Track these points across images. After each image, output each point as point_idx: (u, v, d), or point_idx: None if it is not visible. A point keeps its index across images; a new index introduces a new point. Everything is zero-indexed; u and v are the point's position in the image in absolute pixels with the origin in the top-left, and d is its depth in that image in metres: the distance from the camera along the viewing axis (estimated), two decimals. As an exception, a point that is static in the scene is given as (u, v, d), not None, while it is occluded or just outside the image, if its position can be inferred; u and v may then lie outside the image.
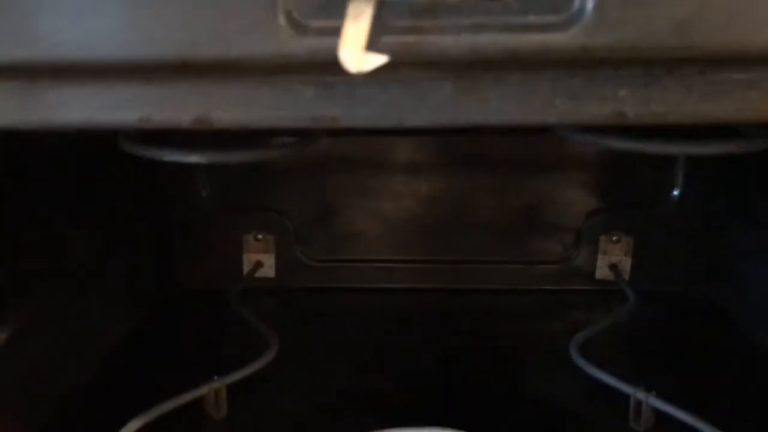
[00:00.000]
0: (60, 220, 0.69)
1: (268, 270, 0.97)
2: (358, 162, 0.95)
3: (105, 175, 0.78)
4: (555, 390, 0.69)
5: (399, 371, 0.75)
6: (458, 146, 0.93)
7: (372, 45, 0.31)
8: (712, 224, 0.89)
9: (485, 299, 0.94)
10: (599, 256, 0.93)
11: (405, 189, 0.95)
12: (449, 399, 0.68)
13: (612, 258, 0.93)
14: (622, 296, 0.87)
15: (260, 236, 0.96)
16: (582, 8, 0.32)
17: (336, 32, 0.31)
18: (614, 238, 0.92)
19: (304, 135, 0.67)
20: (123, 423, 0.59)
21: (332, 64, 0.31)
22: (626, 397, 0.63)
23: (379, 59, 0.31)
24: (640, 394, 0.61)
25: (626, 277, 0.91)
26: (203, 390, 0.63)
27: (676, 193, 0.90)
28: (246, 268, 0.96)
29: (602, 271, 0.93)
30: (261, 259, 0.97)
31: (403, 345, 0.82)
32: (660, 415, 0.61)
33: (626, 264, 0.92)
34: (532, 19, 0.33)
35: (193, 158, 0.62)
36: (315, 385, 0.71)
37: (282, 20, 0.33)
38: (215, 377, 0.64)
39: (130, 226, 0.85)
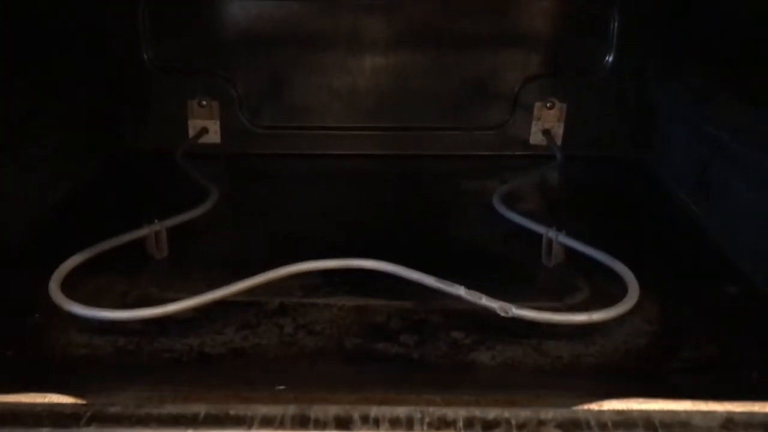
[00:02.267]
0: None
1: (214, 136, 0.99)
2: (306, 36, 0.96)
3: (46, 33, 0.78)
4: (477, 234, 0.74)
5: (338, 220, 0.79)
6: (400, 21, 0.95)
7: None
8: (643, 90, 0.93)
9: (426, 163, 0.98)
10: (533, 122, 0.96)
11: (351, 63, 0.97)
12: (383, 241, 0.73)
13: (546, 124, 0.96)
14: (553, 161, 0.92)
15: (205, 102, 0.97)
16: None
17: None
18: (548, 105, 0.95)
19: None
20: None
21: None
22: (540, 238, 0.68)
23: None
24: (552, 233, 0.66)
25: (558, 142, 0.95)
26: (144, 231, 0.66)
27: (609, 59, 0.93)
28: (191, 133, 0.98)
29: (536, 137, 0.97)
30: (206, 125, 0.98)
31: (345, 200, 0.86)
32: (570, 254, 0.66)
33: (559, 129, 0.96)
34: None
35: None
36: (254, 231, 0.75)
37: None
38: (156, 221, 0.67)
39: (70, 85, 0.85)
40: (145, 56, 0.95)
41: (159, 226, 0.66)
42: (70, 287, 0.59)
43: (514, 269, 0.68)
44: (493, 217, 0.76)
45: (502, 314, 0.53)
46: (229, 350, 0.54)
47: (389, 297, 0.61)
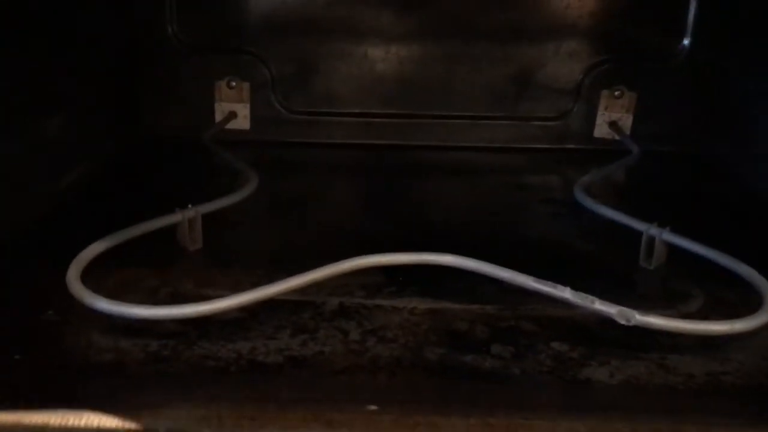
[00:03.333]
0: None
1: (243, 121, 0.89)
2: (345, 20, 0.87)
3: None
4: (557, 231, 0.65)
5: (386, 213, 0.69)
6: (450, 9, 0.86)
7: None
8: (723, 79, 0.84)
9: (477, 156, 0.89)
10: (599, 113, 0.87)
11: (394, 49, 0.88)
12: (443, 238, 0.63)
13: (613, 114, 0.87)
14: (621, 154, 0.82)
15: (234, 83, 0.88)
16: None
17: None
18: (616, 93, 0.86)
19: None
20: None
21: None
22: (635, 236, 0.59)
23: None
24: (654, 230, 0.56)
25: (627, 134, 0.86)
26: (176, 217, 0.56)
27: (685, 44, 0.84)
28: (218, 117, 0.88)
29: (601, 129, 0.88)
30: (235, 109, 0.89)
31: (390, 193, 0.76)
32: (672, 256, 0.57)
33: (627, 121, 0.87)
34: None
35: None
36: (294, 222, 0.66)
37: None
38: (190, 206, 0.57)
39: (86, 58, 0.76)
40: (170, 30, 0.86)
41: (194, 213, 0.57)
42: (90, 281, 0.49)
43: (608, 271, 0.58)
44: (571, 214, 0.67)
45: (623, 322, 0.43)
46: (287, 359, 0.44)
47: (467, 300, 0.51)
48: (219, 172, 0.77)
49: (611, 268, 0.59)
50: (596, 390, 0.42)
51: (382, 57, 0.88)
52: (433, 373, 0.43)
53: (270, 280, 0.50)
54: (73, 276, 0.47)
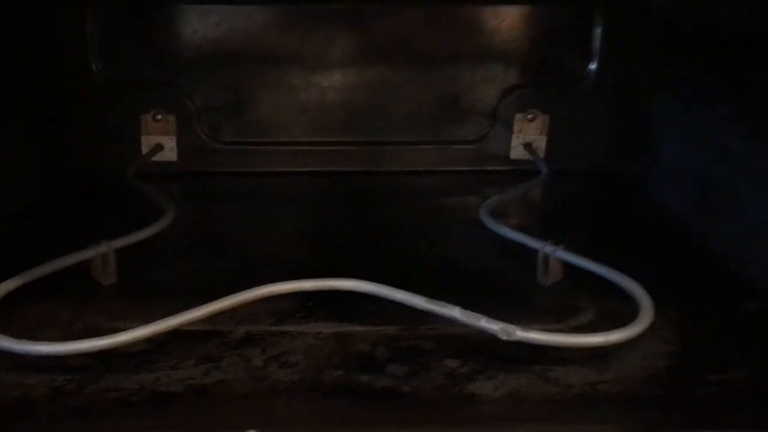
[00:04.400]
0: None
1: (170, 153, 0.91)
2: (271, 49, 0.89)
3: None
4: (463, 252, 0.68)
5: (308, 241, 0.71)
6: (371, 36, 0.89)
7: None
8: (630, 99, 0.88)
9: (400, 180, 0.92)
10: (514, 135, 0.91)
11: (320, 77, 0.90)
12: (359, 262, 0.65)
13: (527, 137, 0.91)
14: (536, 175, 0.86)
15: (160, 116, 0.90)
16: None
17: None
18: (529, 117, 0.90)
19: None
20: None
21: None
22: (535, 254, 0.62)
23: None
24: (548, 248, 0.59)
25: (541, 155, 0.90)
26: (89, 253, 0.57)
27: (592, 68, 0.89)
28: (145, 150, 0.90)
29: (517, 151, 0.92)
30: (161, 141, 0.90)
31: (315, 220, 0.79)
32: (568, 272, 0.60)
33: (541, 142, 0.91)
34: None
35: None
36: (215, 253, 0.68)
37: None
38: (102, 241, 0.59)
39: (13, 99, 0.77)
40: (94, 66, 0.87)
41: (106, 248, 0.58)
42: (3, 318, 0.51)
43: (506, 289, 0.61)
44: (480, 234, 0.70)
45: (505, 338, 0.46)
46: (188, 388, 0.46)
47: (373, 322, 0.54)
48: (143, 206, 0.78)
49: (511, 286, 0.62)
50: (480, 404, 0.44)
51: (307, 85, 0.91)
52: (329, 395, 0.46)
53: (180, 311, 0.52)
54: (-21, 316, 0.48)
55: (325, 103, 0.91)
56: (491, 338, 0.49)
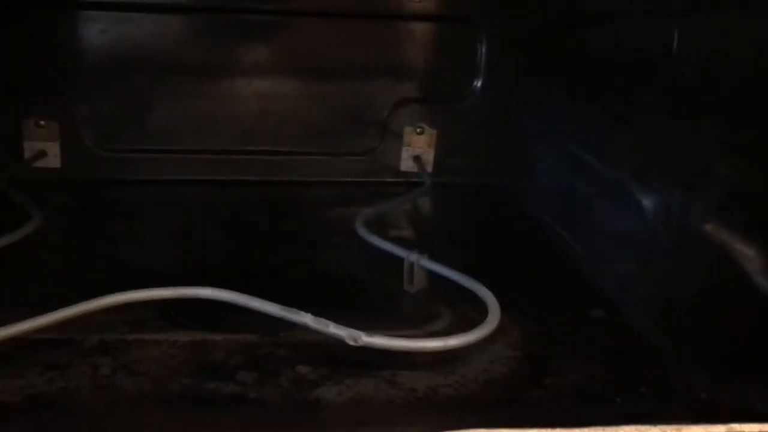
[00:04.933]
0: None
1: (53, 159, 0.88)
2: (164, 57, 0.89)
3: None
4: (338, 261, 0.69)
5: (186, 250, 0.71)
6: (266, 47, 0.90)
7: None
8: (512, 116, 0.91)
9: (293, 190, 0.92)
10: (404, 148, 0.93)
11: (214, 87, 0.90)
12: (233, 272, 0.65)
13: (416, 150, 0.93)
14: (423, 188, 0.88)
15: (43, 122, 0.87)
16: None
17: None
18: (418, 130, 0.92)
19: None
20: None
21: None
22: (404, 263, 0.63)
23: None
24: (413, 257, 0.61)
25: (429, 169, 0.92)
26: (-62, 259, 0.56)
27: (478, 84, 0.91)
28: (28, 156, 0.87)
29: (406, 163, 0.93)
30: (45, 148, 0.88)
31: (197, 229, 0.78)
32: (434, 281, 0.62)
33: (429, 156, 0.93)
34: None
35: None
36: (80, 262, 0.66)
37: None
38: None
39: None
40: (-21, 70, 0.84)
41: (-41, 254, 0.57)
42: None
43: (375, 297, 0.63)
44: (357, 244, 0.71)
45: (351, 343, 0.47)
46: (27, 397, 0.45)
47: (231, 331, 0.54)
48: (17, 214, 0.75)
49: (378, 294, 0.63)
50: (322, 409, 0.45)
51: (201, 94, 0.90)
52: (174, 403, 0.45)
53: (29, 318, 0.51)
54: None
55: (220, 113, 0.91)
56: (345, 345, 0.50)
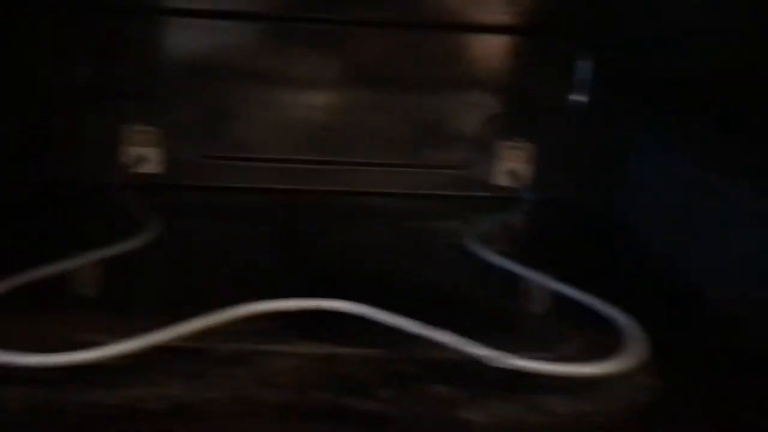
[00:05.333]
0: None
1: (153, 165, 0.90)
2: (255, 66, 0.89)
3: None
4: (448, 277, 0.68)
5: (290, 259, 0.71)
6: (356, 59, 0.90)
7: None
8: (614, 131, 0.89)
9: (383, 202, 0.92)
10: (498, 162, 0.92)
11: (303, 96, 0.90)
12: (342, 283, 0.65)
13: (510, 164, 0.92)
14: (519, 203, 0.87)
15: (142, 129, 0.88)
16: None
17: None
18: (514, 144, 0.91)
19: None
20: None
21: None
22: (520, 281, 0.62)
23: None
24: (536, 276, 0.60)
25: (524, 184, 0.91)
26: (68, 264, 0.56)
27: (577, 98, 0.90)
28: (127, 162, 0.88)
29: (500, 178, 0.92)
30: (145, 154, 0.89)
31: (297, 238, 0.78)
32: (554, 301, 0.60)
33: (525, 170, 0.92)
34: None
35: None
36: (196, 269, 0.66)
37: None
38: (84, 252, 0.57)
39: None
40: (79, 75, 0.86)
41: (85, 260, 0.57)
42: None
43: (492, 316, 0.61)
44: (465, 259, 0.70)
45: (495, 365, 0.46)
46: (172, 406, 0.44)
47: (360, 345, 0.53)
48: (125, 220, 0.76)
49: (496, 312, 0.62)
50: (472, 430, 0.44)
51: (291, 103, 0.91)
52: (315, 417, 0.45)
53: (162, 325, 0.51)
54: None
55: (308, 122, 0.91)
56: (477, 365, 0.49)
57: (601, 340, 0.55)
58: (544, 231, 0.83)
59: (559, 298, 0.60)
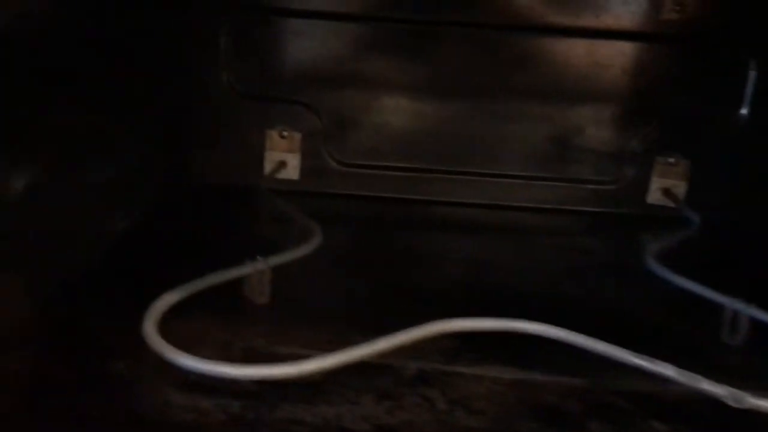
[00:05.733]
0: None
1: (292, 171, 0.88)
2: (400, 73, 0.87)
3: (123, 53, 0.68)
4: (630, 300, 0.63)
5: (440, 273, 0.67)
6: (501, 67, 0.86)
7: None
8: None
9: (521, 216, 0.87)
10: (653, 179, 0.86)
11: (445, 105, 0.87)
12: (509, 302, 0.61)
13: (667, 181, 0.86)
14: (676, 222, 0.81)
15: (286, 133, 0.87)
16: None
17: None
18: (671, 160, 0.85)
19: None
20: (154, 296, 0.51)
21: None
22: (712, 308, 0.57)
23: None
24: (738, 305, 0.54)
25: (680, 203, 0.85)
26: (247, 269, 0.54)
27: (744, 112, 0.83)
28: (267, 166, 0.87)
29: (654, 195, 0.86)
30: (285, 159, 0.88)
31: (448, 252, 0.74)
32: (756, 329, 0.55)
33: (681, 188, 0.86)
34: None
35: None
36: (359, 279, 0.64)
37: None
38: (259, 257, 0.56)
39: (139, 103, 0.75)
40: (225, 78, 0.85)
41: (264, 265, 0.55)
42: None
43: (689, 346, 0.56)
44: (640, 281, 0.65)
45: (733, 404, 0.41)
46: (376, 428, 0.42)
47: (552, 371, 0.49)
48: (271, 223, 0.75)
49: (692, 342, 0.56)
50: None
51: (428, 113, 0.88)
52: (530, 450, 0.41)
53: (343, 338, 0.49)
54: (150, 327, 0.44)
55: (447, 131, 0.88)
56: (693, 401, 0.44)
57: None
58: (715, 253, 0.77)
59: (758, 327, 0.55)
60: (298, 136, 0.87)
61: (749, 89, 0.83)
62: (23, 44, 0.50)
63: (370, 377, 0.47)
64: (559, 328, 0.49)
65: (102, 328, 0.50)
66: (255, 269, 0.54)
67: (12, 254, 0.49)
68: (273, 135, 0.87)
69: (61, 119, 0.55)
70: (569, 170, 0.88)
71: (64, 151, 0.56)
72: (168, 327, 0.49)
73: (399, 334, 0.46)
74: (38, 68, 0.52)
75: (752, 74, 0.83)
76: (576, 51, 0.84)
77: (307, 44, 0.86)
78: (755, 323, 0.55)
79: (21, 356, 0.46)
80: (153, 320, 0.45)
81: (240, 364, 0.43)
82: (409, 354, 0.50)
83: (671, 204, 0.85)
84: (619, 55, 0.85)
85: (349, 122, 0.88)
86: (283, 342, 0.50)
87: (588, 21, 0.83)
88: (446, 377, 0.48)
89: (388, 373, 0.47)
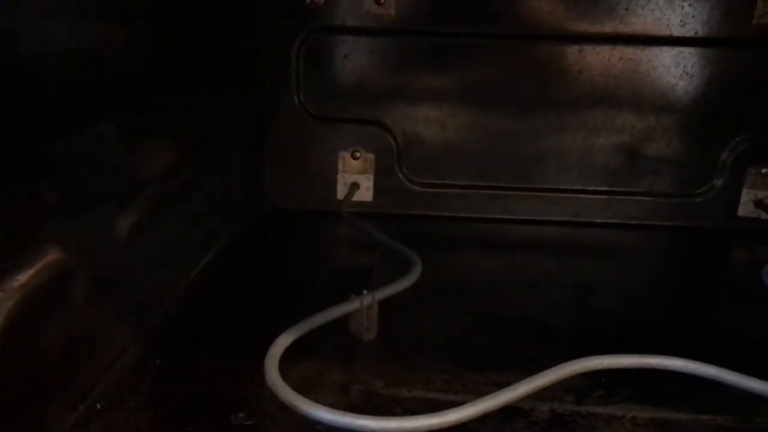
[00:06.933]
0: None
1: (365, 193, 0.86)
2: (468, 91, 0.84)
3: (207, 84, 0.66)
4: (755, 321, 0.59)
5: (541, 298, 0.64)
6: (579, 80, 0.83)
7: None
8: None
9: (606, 233, 0.84)
10: (744, 190, 0.82)
11: (522, 121, 0.84)
12: (623, 328, 0.58)
13: (759, 193, 0.82)
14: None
15: (359, 154, 0.85)
16: None
17: None
18: (764, 171, 0.82)
19: None
20: (258, 335, 0.49)
21: None
22: None
23: None
24: None
25: (774, 215, 0.81)
26: (354, 304, 0.52)
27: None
28: (340, 189, 0.85)
29: (746, 208, 0.83)
30: (358, 181, 0.85)
31: (532, 271, 0.72)
32: None
33: (774, 200, 0.82)
34: None
35: None
36: (461, 309, 0.61)
37: None
38: (365, 291, 0.53)
39: (226, 130, 0.73)
40: (297, 100, 0.83)
41: (371, 299, 0.53)
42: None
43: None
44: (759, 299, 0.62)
45: None
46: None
47: (691, 409, 0.46)
48: (354, 249, 0.73)
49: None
50: None
51: (501, 130, 0.85)
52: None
53: (460, 378, 0.47)
54: (273, 374, 0.42)
55: (522, 148, 0.85)
56: None
57: None
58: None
59: None
60: (371, 156, 0.85)
61: None
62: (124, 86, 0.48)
63: (504, 421, 0.44)
64: (704, 363, 0.45)
65: (216, 372, 0.48)
66: (362, 304, 0.52)
67: (119, 298, 0.47)
68: (346, 156, 0.85)
69: (160, 156, 0.54)
70: (653, 183, 0.85)
71: (162, 188, 0.54)
72: (282, 371, 0.47)
73: (538, 377, 0.44)
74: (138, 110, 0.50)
75: None
76: (662, 60, 0.81)
77: (376, 62, 0.84)
78: None
79: (137, 407, 0.44)
80: (273, 367, 0.43)
81: (381, 417, 0.40)
82: (538, 395, 0.47)
83: (765, 216, 0.81)
84: (704, 62, 0.82)
85: (422, 140, 0.85)
86: (401, 383, 0.47)
87: (673, 30, 0.80)
88: (582, 419, 0.45)
89: (520, 417, 0.45)
